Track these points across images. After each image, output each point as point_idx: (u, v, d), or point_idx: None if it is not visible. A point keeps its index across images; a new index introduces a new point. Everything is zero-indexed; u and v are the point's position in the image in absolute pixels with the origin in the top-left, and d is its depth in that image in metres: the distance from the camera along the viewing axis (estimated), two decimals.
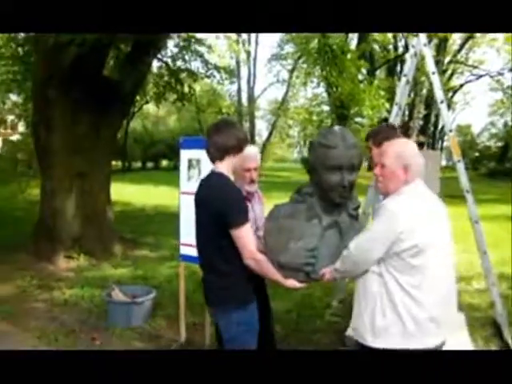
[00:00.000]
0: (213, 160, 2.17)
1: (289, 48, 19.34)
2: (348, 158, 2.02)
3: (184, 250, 3.43)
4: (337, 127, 2.14)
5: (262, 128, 47.47)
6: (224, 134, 2.12)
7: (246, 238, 2.04)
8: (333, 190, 2.05)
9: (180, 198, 3.43)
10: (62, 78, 5.51)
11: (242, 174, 2.55)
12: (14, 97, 16.77)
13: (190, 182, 3.34)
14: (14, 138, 17.53)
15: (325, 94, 23.70)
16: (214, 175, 2.15)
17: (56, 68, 5.50)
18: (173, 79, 6.64)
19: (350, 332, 2.96)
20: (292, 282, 2.09)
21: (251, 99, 24.51)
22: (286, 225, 2.11)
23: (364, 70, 12.03)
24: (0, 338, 3.49)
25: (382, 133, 2.80)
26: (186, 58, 6.69)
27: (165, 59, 6.86)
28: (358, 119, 20.93)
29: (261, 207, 2.76)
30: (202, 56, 6.64)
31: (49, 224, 5.77)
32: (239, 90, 25.28)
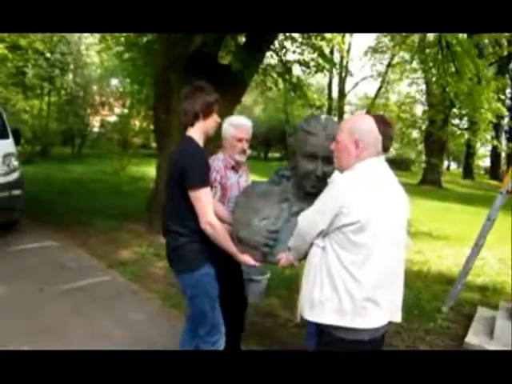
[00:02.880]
0: (185, 125, 2.20)
1: (386, 41, 18.54)
2: (326, 147, 1.94)
3: None
4: (324, 116, 2.07)
5: None
6: (191, 98, 2.14)
7: (204, 201, 2.04)
8: (306, 177, 1.99)
9: None
10: (183, 64, 5.87)
11: (234, 143, 2.60)
12: (114, 81, 18.25)
13: None
14: (112, 119, 18.87)
15: (416, 93, 22.75)
16: (184, 139, 2.19)
17: (179, 55, 5.86)
18: (283, 69, 6.76)
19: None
20: (247, 258, 2.09)
21: (342, 93, 24.07)
22: (256, 202, 2.10)
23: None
24: (128, 296, 3.94)
25: None
26: (297, 49, 6.80)
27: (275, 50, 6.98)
28: (455, 121, 19.64)
29: (246, 180, 2.75)
30: (320, 49, 6.66)
31: (162, 199, 6.24)
32: (330, 84, 24.95)
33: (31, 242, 5.27)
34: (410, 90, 23.55)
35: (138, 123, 18.55)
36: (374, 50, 20.87)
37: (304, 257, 1.88)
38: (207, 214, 2.06)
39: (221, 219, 2.19)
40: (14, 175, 5.43)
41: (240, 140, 2.60)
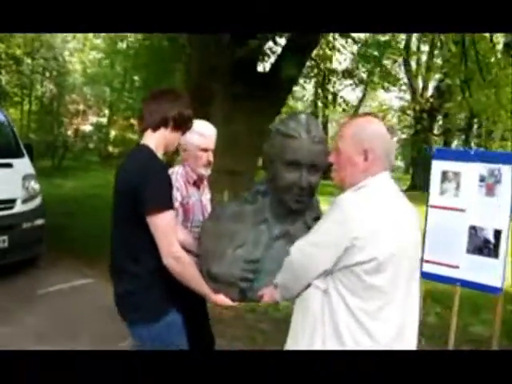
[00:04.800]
0: (143, 129, 1.77)
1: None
2: (311, 153, 1.60)
3: (426, 268, 3.05)
4: (303, 114, 1.69)
5: None
6: (166, 101, 1.75)
7: (166, 228, 1.60)
8: (288, 190, 1.64)
9: (428, 212, 3.07)
10: (223, 71, 5.37)
11: (198, 153, 2.19)
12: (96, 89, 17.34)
13: (442, 197, 3.04)
14: (88, 128, 18.13)
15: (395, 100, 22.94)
16: (137, 148, 1.76)
17: (218, 61, 5.37)
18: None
19: None
20: (221, 299, 1.67)
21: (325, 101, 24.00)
22: (227, 227, 1.71)
23: None
24: None
25: None
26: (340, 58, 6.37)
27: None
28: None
29: (208, 199, 2.36)
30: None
31: None
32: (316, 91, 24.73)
33: (62, 280, 4.44)
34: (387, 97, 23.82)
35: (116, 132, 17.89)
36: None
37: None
38: (171, 244, 1.61)
39: (186, 250, 1.73)
40: (36, 201, 4.61)
41: (205, 150, 2.20)
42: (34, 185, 4.63)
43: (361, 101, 23.32)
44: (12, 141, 4.90)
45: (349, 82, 9.50)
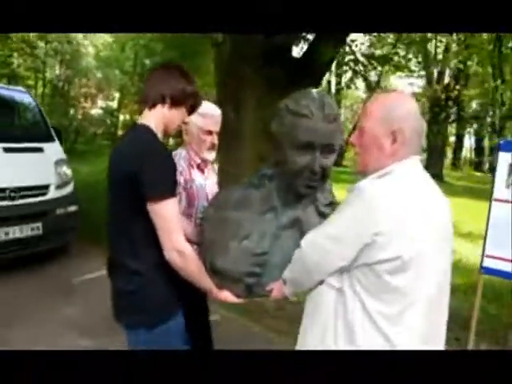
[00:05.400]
0: (142, 107, 1.59)
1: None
2: (325, 133, 1.43)
3: (488, 263, 2.96)
4: (315, 90, 1.52)
5: None
6: (162, 78, 1.57)
7: (170, 218, 1.42)
8: (299, 175, 1.47)
9: (492, 205, 2.95)
10: (257, 55, 5.19)
11: (202, 136, 2.05)
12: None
13: (509, 189, 2.91)
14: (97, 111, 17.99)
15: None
16: (136, 128, 1.55)
17: (253, 45, 5.19)
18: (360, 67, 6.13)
19: None
20: (226, 295, 1.53)
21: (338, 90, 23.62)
22: (232, 216, 1.54)
23: None
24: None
25: None
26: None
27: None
28: None
29: (215, 183, 2.20)
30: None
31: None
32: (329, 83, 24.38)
33: (94, 268, 4.36)
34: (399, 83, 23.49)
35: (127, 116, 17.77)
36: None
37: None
38: (174, 236, 1.43)
39: (189, 241, 1.55)
40: (69, 187, 4.50)
41: (209, 133, 2.06)
42: (67, 170, 4.52)
43: (375, 86, 22.99)
44: (42, 125, 4.77)
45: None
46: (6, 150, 3.98)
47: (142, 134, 1.50)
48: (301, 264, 1.31)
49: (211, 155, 2.11)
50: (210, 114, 2.05)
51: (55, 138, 4.73)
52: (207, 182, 2.11)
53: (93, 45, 15.74)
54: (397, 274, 1.13)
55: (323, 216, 1.54)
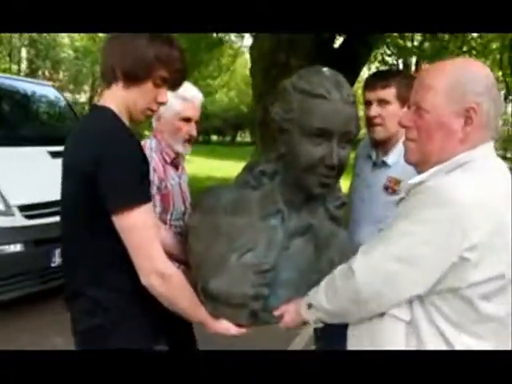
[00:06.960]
0: (105, 85, 1.20)
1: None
2: (345, 118, 1.16)
3: None
4: (326, 68, 1.24)
5: None
6: (120, 45, 1.15)
7: (144, 232, 1.07)
8: (311, 170, 1.19)
9: None
10: (301, 47, 5.19)
11: (178, 124, 1.68)
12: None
13: None
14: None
15: None
16: (95, 111, 1.21)
17: (298, 37, 5.21)
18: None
19: None
20: (226, 327, 1.20)
21: None
22: (226, 224, 1.24)
23: None
24: None
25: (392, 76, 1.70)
26: None
27: None
28: None
29: (186, 180, 1.86)
30: None
31: None
32: None
33: None
34: None
35: None
36: None
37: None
38: (153, 255, 1.08)
39: (170, 256, 1.22)
40: None
41: (187, 120, 1.69)
42: None
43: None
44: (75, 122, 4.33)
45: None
46: (54, 154, 3.21)
47: (101, 119, 1.13)
48: (352, 296, 0.98)
49: (187, 149, 1.72)
50: (188, 96, 1.65)
51: None
52: (181, 181, 1.75)
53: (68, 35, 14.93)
54: (496, 297, 0.89)
55: (335, 221, 1.31)
